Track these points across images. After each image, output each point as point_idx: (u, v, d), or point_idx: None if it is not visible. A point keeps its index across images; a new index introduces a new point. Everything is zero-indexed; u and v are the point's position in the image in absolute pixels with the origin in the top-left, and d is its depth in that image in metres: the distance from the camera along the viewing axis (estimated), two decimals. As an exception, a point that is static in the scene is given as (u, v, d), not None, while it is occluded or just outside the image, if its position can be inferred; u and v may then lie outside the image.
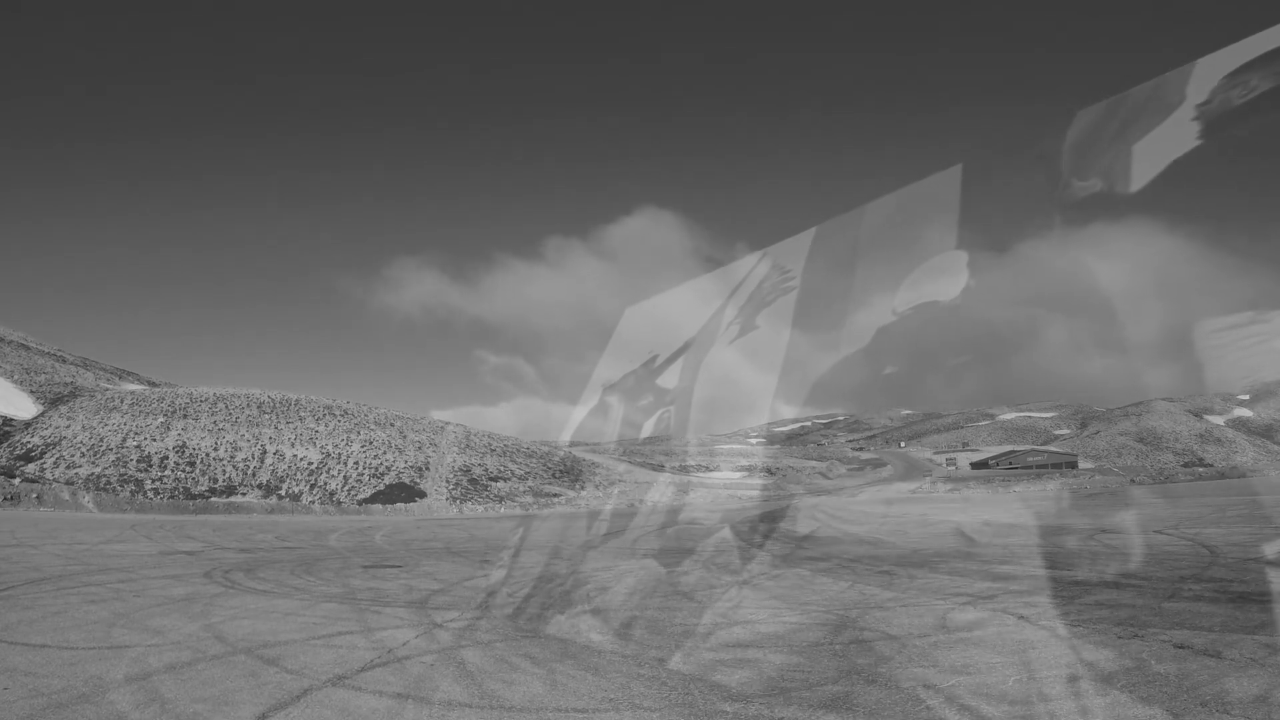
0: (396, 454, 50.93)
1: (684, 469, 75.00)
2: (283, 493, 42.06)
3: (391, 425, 57.43)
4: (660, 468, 73.19)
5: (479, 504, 45.29)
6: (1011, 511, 30.88)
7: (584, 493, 51.64)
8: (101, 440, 43.60)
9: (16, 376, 54.60)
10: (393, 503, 42.97)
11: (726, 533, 23.83)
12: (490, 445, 59.39)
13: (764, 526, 26.76)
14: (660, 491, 54.87)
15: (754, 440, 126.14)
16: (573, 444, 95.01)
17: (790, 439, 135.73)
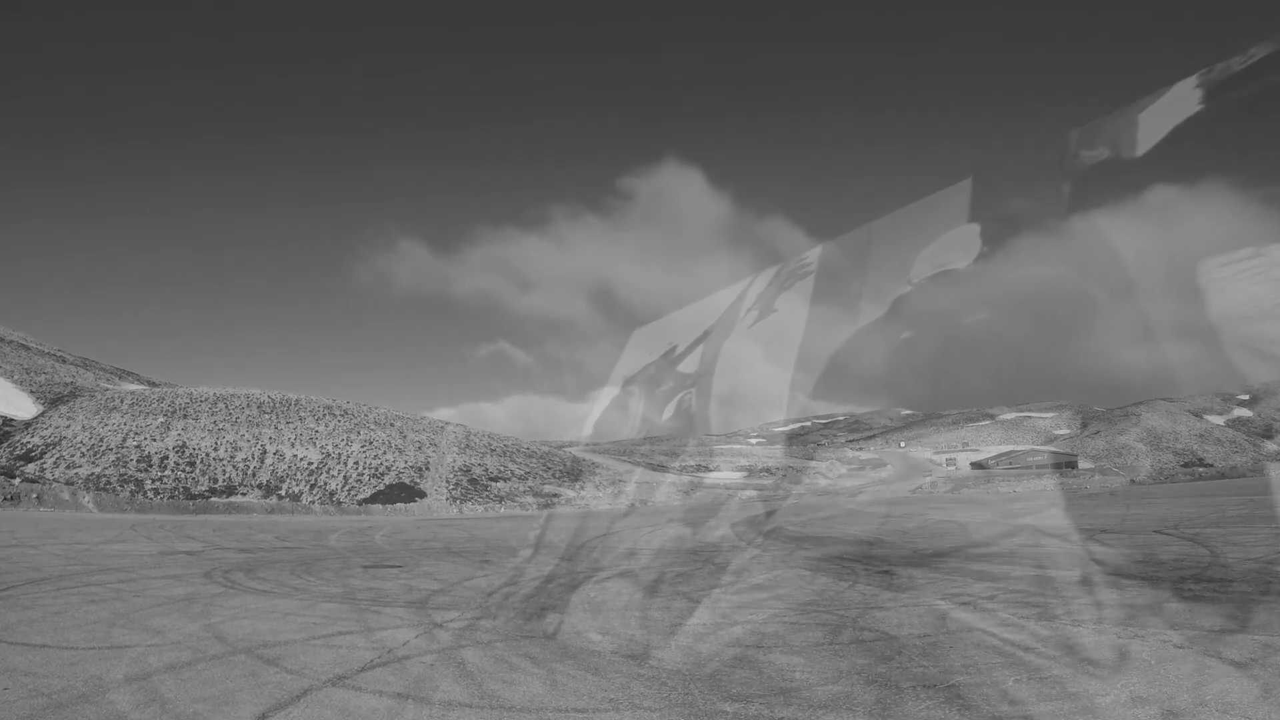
0: (396, 454, 50.93)
1: (685, 469, 75.02)
2: (283, 493, 42.06)
3: (391, 425, 57.44)
4: (661, 468, 73.22)
5: (479, 504, 45.29)
6: (1012, 512, 30.88)
7: (584, 493, 51.66)
8: (101, 440, 43.61)
9: (16, 376, 54.61)
10: (393, 503, 42.97)
11: (727, 531, 23.84)
12: (490, 445, 59.40)
13: (763, 526, 26.76)
14: (662, 492, 54.89)
15: (754, 440, 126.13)
16: (570, 444, 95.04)
17: (790, 439, 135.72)
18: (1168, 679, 5.93)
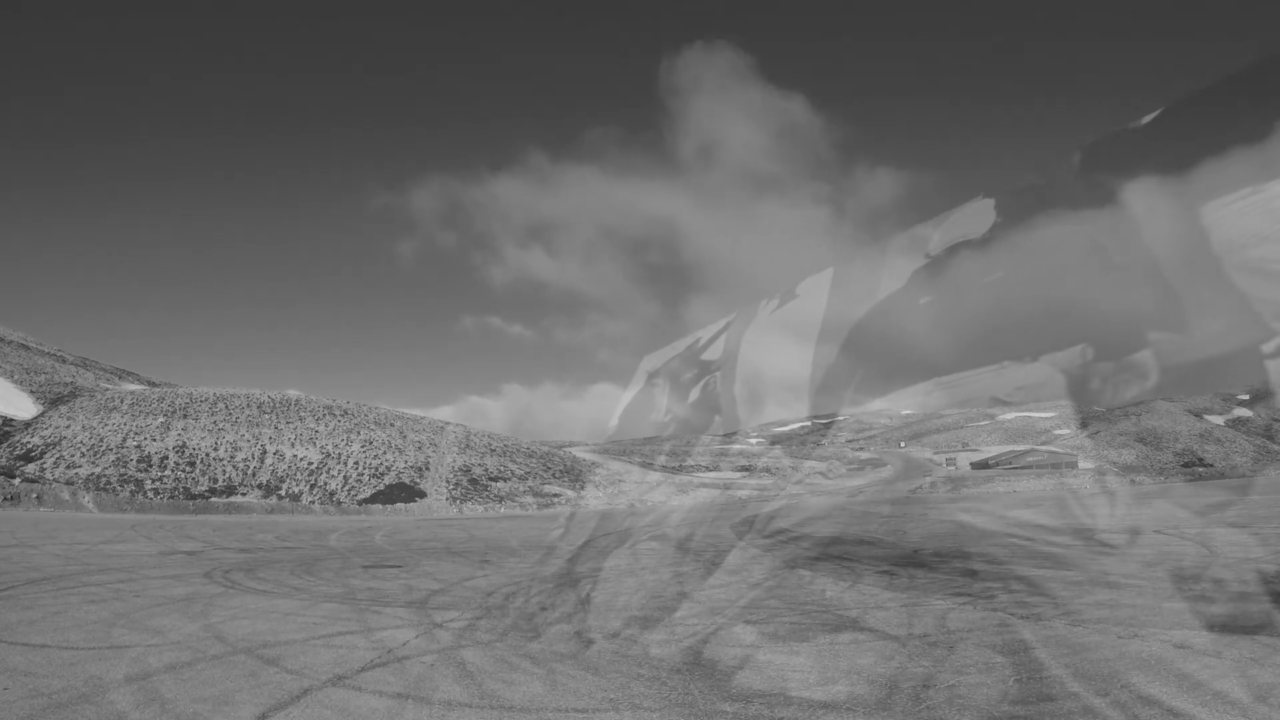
0: (396, 454, 50.93)
1: (685, 469, 75.03)
2: (283, 493, 42.06)
3: (391, 425, 57.44)
4: (661, 468, 73.21)
5: (479, 504, 45.29)
6: (1012, 512, 30.88)
7: (584, 493, 51.66)
8: (101, 440, 43.60)
9: (16, 376, 54.60)
10: (393, 503, 42.96)
11: (726, 531, 23.84)
12: (490, 445, 59.40)
13: (762, 526, 26.76)
14: (662, 492, 54.90)
15: (754, 440, 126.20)
16: (571, 444, 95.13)
17: (790, 439, 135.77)
18: (1168, 678, 5.93)
